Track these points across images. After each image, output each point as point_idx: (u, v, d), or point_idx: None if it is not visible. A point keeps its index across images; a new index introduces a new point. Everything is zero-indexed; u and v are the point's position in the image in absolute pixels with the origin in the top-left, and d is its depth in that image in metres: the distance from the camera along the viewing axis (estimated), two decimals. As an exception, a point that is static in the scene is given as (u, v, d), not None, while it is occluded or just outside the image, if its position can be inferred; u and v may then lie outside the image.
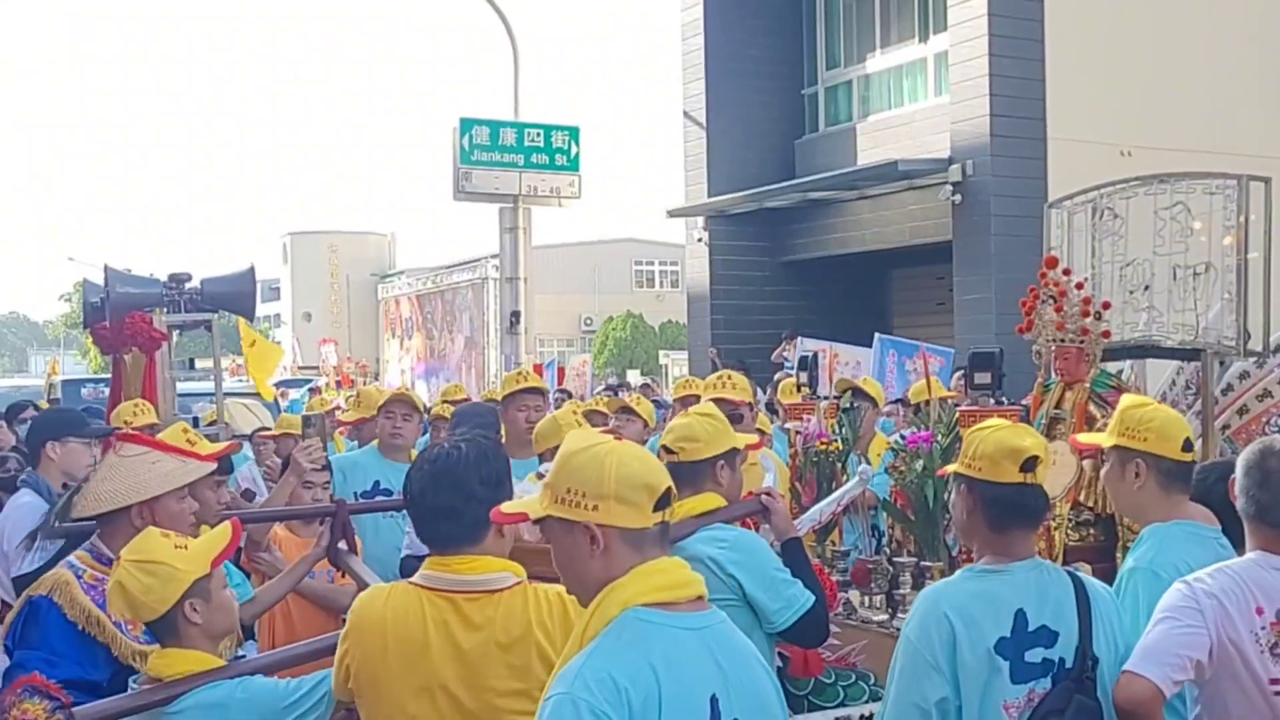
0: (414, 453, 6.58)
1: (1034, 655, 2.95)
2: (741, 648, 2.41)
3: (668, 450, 3.67)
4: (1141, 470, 3.45)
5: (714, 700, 2.26)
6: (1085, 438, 3.79)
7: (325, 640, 3.54)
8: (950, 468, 3.30)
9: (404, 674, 2.83)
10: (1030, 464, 3.03)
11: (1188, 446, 3.50)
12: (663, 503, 2.35)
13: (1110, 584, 4.40)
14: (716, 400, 5.58)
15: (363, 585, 4.55)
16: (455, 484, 2.83)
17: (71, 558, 3.49)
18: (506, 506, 2.53)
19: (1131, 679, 2.92)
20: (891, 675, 3.05)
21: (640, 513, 2.31)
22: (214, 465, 3.90)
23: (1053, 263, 5.17)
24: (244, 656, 3.82)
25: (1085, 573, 3.31)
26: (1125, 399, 3.75)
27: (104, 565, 3.42)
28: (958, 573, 3.15)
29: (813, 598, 3.57)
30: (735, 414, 5.45)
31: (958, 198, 16.05)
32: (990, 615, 2.95)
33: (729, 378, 5.77)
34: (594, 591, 2.32)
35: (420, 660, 2.81)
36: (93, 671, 3.24)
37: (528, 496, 2.55)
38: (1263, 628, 2.97)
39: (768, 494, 3.85)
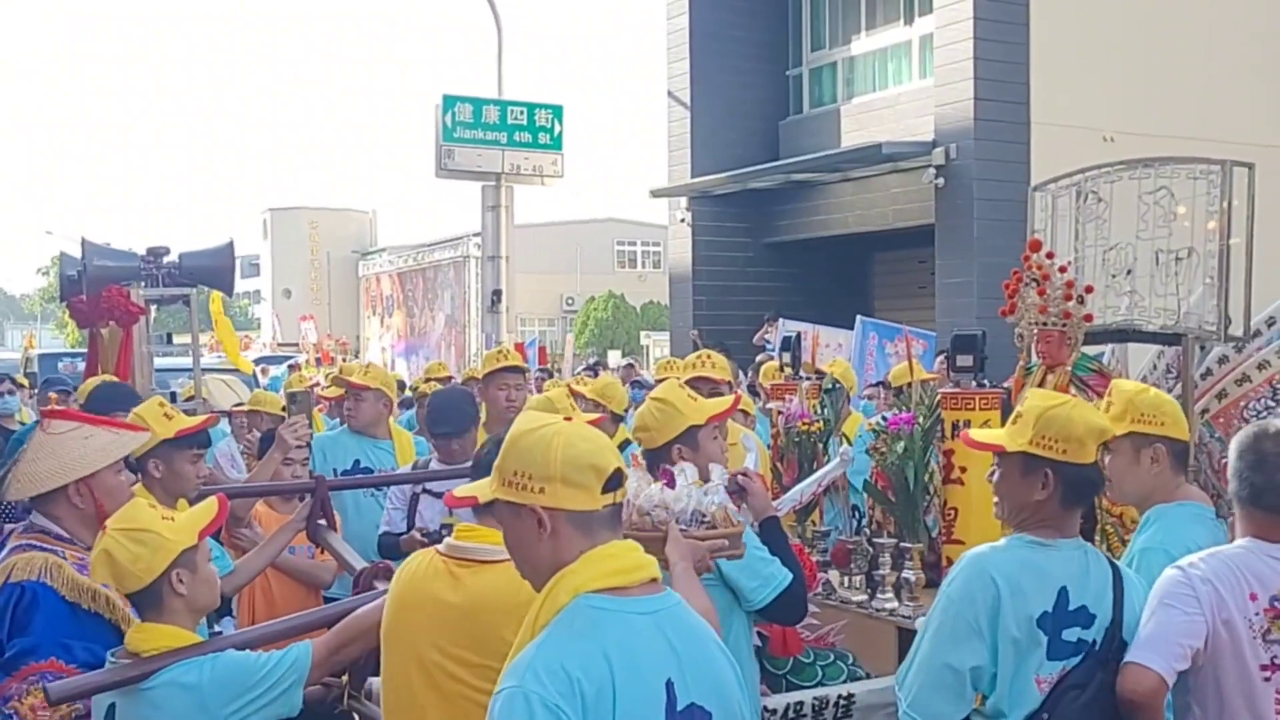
0: (394, 428, 6.56)
1: (1070, 634, 2.96)
2: (697, 629, 2.36)
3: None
4: (1160, 455, 3.48)
5: (669, 684, 2.22)
6: None
7: (303, 617, 3.53)
8: (994, 438, 3.23)
9: (393, 633, 2.89)
10: (1107, 442, 3.08)
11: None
12: (612, 484, 2.30)
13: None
14: (697, 379, 5.56)
15: (340, 561, 4.56)
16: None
17: (31, 539, 3.35)
18: (458, 490, 2.51)
19: (1139, 671, 2.91)
20: (924, 631, 3.03)
21: (588, 495, 2.27)
22: (146, 436, 3.88)
23: (1036, 246, 5.16)
24: (221, 632, 3.80)
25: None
26: (1124, 385, 3.76)
27: (72, 544, 3.36)
28: (1004, 540, 3.12)
29: (790, 575, 3.56)
30: (715, 392, 5.43)
31: (940, 181, 16.05)
32: (1036, 587, 2.95)
33: (708, 357, 5.77)
34: (545, 576, 2.28)
35: (408, 619, 2.85)
36: (104, 653, 3.16)
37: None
38: (1256, 614, 2.97)
39: (744, 474, 3.83)
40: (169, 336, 9.90)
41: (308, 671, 2.97)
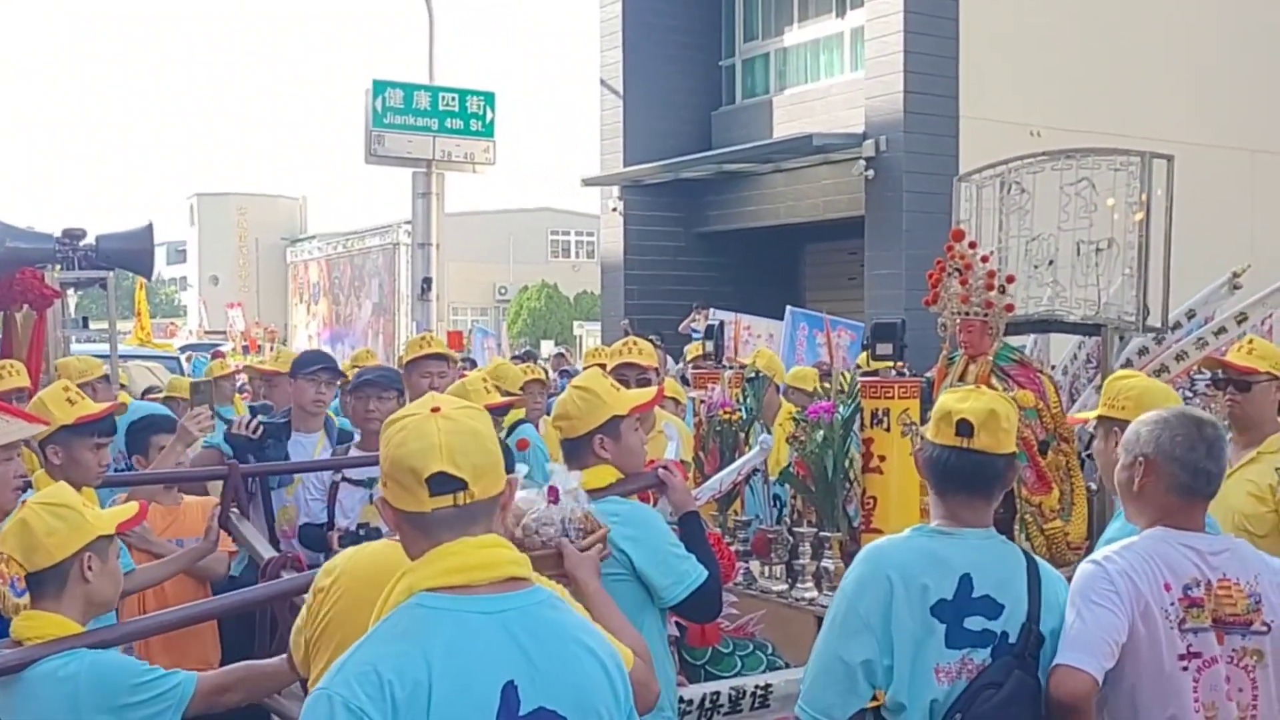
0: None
1: (974, 623, 2.89)
2: (560, 628, 2.21)
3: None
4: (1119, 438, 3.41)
5: (510, 687, 2.09)
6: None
7: (189, 609, 3.44)
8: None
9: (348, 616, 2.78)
10: (964, 428, 2.97)
11: None
12: (440, 487, 2.14)
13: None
14: (625, 365, 5.53)
15: (250, 550, 4.46)
16: None
17: None
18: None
19: (1071, 673, 2.84)
20: (825, 621, 3.01)
21: (413, 497, 2.15)
22: (38, 428, 3.82)
23: (959, 236, 5.17)
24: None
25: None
26: (1119, 372, 3.80)
27: None
28: (908, 529, 3.10)
29: (705, 573, 3.52)
30: (643, 379, 5.41)
31: (870, 173, 16.14)
32: (932, 575, 2.90)
33: (634, 343, 5.73)
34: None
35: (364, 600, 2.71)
36: None
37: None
38: (1171, 604, 2.94)
39: (665, 468, 3.78)
40: (85, 320, 9.64)
41: (187, 701, 2.87)
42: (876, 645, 2.89)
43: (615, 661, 2.27)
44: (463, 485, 2.16)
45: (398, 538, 2.34)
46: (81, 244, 7.67)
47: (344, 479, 5.30)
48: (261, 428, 5.48)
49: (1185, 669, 2.94)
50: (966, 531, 2.98)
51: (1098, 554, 3.04)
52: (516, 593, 2.19)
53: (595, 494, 3.50)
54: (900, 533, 3.12)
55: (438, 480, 2.15)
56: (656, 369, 5.69)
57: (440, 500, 2.16)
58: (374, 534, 5.02)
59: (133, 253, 8.04)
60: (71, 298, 9.12)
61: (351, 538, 5.00)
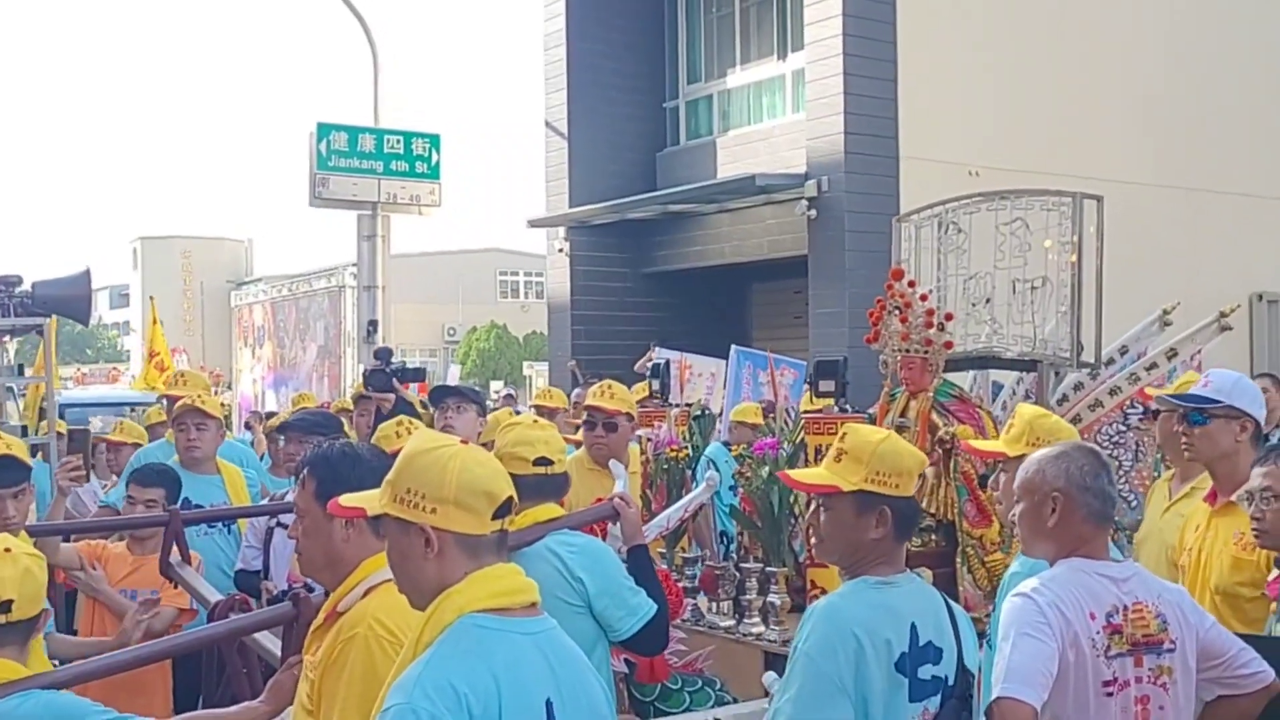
0: (221, 463, 6.27)
1: (925, 672, 2.88)
2: (572, 653, 2.43)
3: (546, 460, 3.59)
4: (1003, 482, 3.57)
5: (549, 704, 2.26)
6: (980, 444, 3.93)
7: (140, 650, 3.41)
8: (822, 479, 3.08)
9: None
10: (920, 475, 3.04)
11: None
12: (502, 511, 2.35)
13: (952, 587, 4.52)
14: (590, 408, 5.55)
15: (195, 595, 4.43)
16: None
17: None
18: (345, 499, 2.52)
19: (1015, 705, 2.82)
20: (787, 692, 2.87)
21: (478, 519, 2.31)
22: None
23: (898, 275, 5.27)
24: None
25: (927, 578, 3.32)
26: (1035, 412, 3.89)
27: None
28: (850, 584, 3.01)
29: (655, 607, 3.55)
30: (610, 423, 5.43)
31: (813, 213, 16.28)
32: (892, 629, 2.86)
33: (609, 387, 5.71)
34: (428, 595, 2.31)
35: None
36: None
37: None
38: (1097, 633, 2.99)
39: (622, 498, 3.84)
40: (20, 368, 9.51)
41: None
42: (852, 709, 2.81)
43: (610, 686, 2.50)
44: (511, 510, 2.36)
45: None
46: (17, 290, 7.61)
47: (278, 524, 5.26)
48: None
49: (1110, 695, 3.00)
50: (900, 578, 2.99)
51: (1024, 586, 3.07)
52: (540, 618, 2.38)
53: (550, 524, 3.54)
54: (842, 589, 3.04)
55: (506, 505, 2.34)
56: (629, 414, 5.54)
57: (497, 524, 2.34)
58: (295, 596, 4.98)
59: (70, 299, 7.98)
60: (10, 344, 9.00)
61: (278, 599, 4.95)
